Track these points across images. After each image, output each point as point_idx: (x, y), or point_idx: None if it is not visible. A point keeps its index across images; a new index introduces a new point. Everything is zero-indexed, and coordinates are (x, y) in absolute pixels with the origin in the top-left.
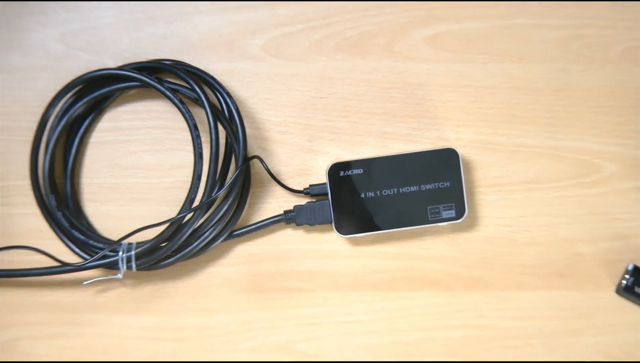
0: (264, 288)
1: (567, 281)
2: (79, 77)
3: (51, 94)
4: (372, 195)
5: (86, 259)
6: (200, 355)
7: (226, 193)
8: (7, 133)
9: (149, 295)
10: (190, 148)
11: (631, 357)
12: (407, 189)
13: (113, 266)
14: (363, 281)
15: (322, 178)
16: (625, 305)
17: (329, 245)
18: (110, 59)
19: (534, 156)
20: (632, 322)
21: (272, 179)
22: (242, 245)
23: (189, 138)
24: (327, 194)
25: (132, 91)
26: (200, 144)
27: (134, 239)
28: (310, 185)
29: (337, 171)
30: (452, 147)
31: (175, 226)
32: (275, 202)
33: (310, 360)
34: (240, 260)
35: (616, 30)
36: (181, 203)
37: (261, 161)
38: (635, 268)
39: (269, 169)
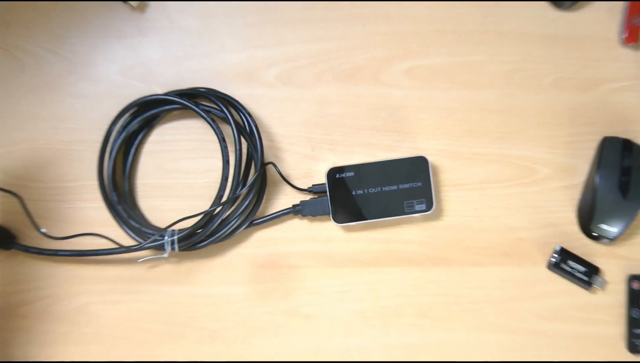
0: (276, 265)
1: (511, 260)
2: (135, 101)
3: (113, 114)
4: (361, 192)
5: (140, 242)
6: (226, 317)
7: (247, 191)
8: (80, 144)
9: (187, 270)
10: (219, 155)
11: (558, 317)
12: (388, 188)
13: (160, 248)
14: (354, 259)
15: (322, 179)
16: (554, 277)
17: (327, 231)
18: (158, 87)
19: (486, 162)
20: (559, 290)
21: (283, 180)
22: (260, 231)
23: (219, 148)
24: (326, 192)
25: (175, 112)
26: (227, 153)
27: (176, 226)
28: (313, 184)
29: (334, 173)
30: (423, 155)
31: (208, 217)
32: (286, 198)
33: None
34: (258, 243)
35: (547, 65)
36: (212, 199)
37: (275, 166)
38: (562, 249)
39: (281, 173)
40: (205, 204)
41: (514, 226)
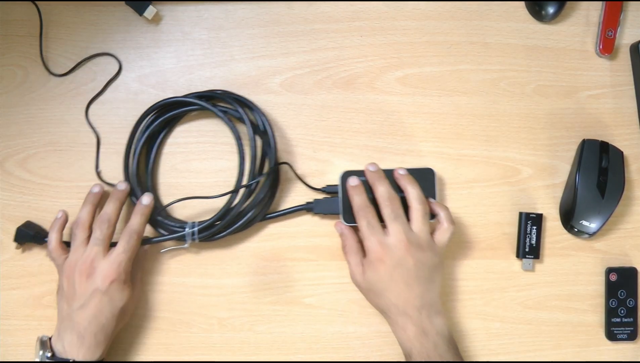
0: (280, 258)
1: (498, 253)
2: (157, 103)
3: (131, 118)
4: (371, 196)
5: (163, 234)
6: (235, 307)
7: (262, 184)
8: (101, 146)
9: (198, 263)
10: (228, 156)
11: (541, 307)
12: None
13: (182, 239)
14: None
15: (323, 178)
16: (537, 269)
17: (327, 227)
18: (172, 94)
19: (473, 162)
20: (542, 281)
21: (296, 179)
22: (266, 227)
23: (228, 149)
24: (338, 192)
25: (194, 113)
26: (243, 150)
27: (196, 219)
28: (327, 185)
29: (348, 177)
30: (430, 167)
31: (226, 208)
32: (296, 196)
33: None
34: (264, 237)
35: (530, 73)
36: (225, 197)
37: (290, 166)
38: (539, 216)
39: (295, 172)
40: (220, 201)
41: (500, 222)
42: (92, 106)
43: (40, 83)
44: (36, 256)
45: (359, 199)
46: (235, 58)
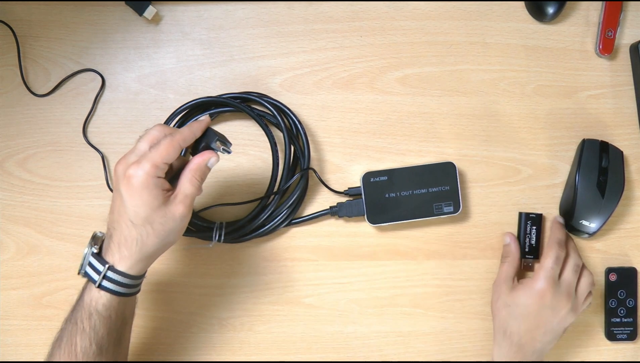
0: (280, 258)
1: (497, 253)
2: (189, 102)
3: (130, 118)
4: (394, 195)
5: (190, 231)
6: (234, 307)
7: (292, 190)
8: (100, 146)
9: (197, 264)
10: (228, 157)
11: None
12: (419, 191)
13: (207, 238)
14: (352, 253)
15: (323, 178)
16: (538, 268)
17: (326, 227)
18: (171, 94)
19: (473, 162)
20: None
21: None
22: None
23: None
24: (361, 194)
25: (227, 114)
26: (278, 155)
27: (223, 219)
28: (349, 188)
29: (369, 178)
30: (451, 161)
31: (256, 211)
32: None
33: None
34: (263, 238)
35: (529, 73)
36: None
37: (314, 171)
38: (539, 216)
39: (320, 178)
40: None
41: (499, 222)
42: (91, 106)
43: (40, 83)
44: (36, 256)
45: (560, 236)
46: (235, 58)
